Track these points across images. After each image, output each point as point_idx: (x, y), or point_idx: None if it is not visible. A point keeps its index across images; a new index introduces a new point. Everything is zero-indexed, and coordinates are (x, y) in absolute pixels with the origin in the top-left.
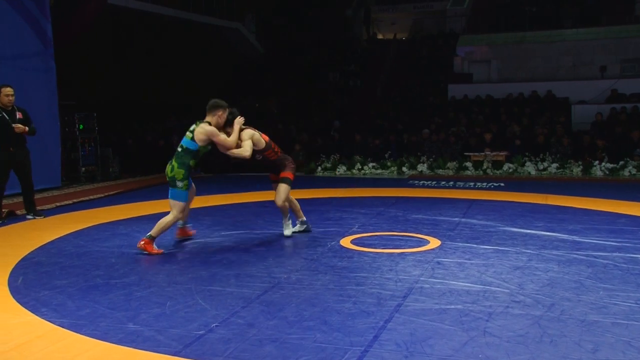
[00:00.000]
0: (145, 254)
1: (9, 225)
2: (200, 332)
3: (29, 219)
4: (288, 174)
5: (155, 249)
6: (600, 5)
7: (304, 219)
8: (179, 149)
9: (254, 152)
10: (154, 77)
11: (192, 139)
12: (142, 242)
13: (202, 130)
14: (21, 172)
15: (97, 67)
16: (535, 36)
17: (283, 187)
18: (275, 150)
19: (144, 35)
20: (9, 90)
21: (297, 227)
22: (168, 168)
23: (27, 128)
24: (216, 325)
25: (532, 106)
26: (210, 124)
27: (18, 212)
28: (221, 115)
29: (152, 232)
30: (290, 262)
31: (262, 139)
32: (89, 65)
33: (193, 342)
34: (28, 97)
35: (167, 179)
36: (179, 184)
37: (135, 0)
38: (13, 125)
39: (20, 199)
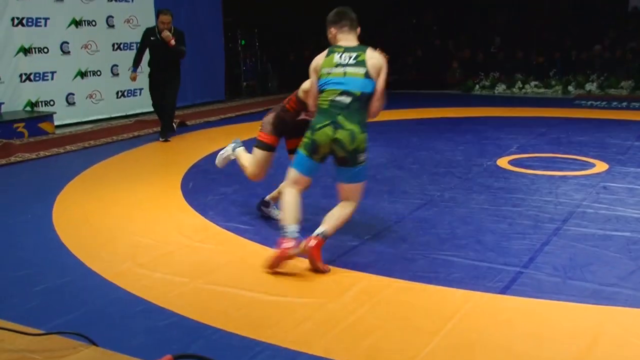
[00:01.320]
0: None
1: (180, 135)
2: (354, 243)
3: (160, 140)
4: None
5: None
6: None
7: None
8: (347, 100)
9: (301, 112)
10: None
11: (367, 74)
12: (313, 242)
13: (379, 61)
14: (165, 92)
15: None
16: None
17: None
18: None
19: None
20: (165, 17)
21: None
22: (343, 136)
23: (173, 39)
24: (368, 238)
25: None
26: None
27: (188, 122)
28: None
29: (327, 231)
30: (444, 180)
31: None
32: None
33: (346, 252)
34: (196, 14)
35: (340, 156)
36: (362, 157)
37: None
38: (162, 33)
39: (190, 111)
